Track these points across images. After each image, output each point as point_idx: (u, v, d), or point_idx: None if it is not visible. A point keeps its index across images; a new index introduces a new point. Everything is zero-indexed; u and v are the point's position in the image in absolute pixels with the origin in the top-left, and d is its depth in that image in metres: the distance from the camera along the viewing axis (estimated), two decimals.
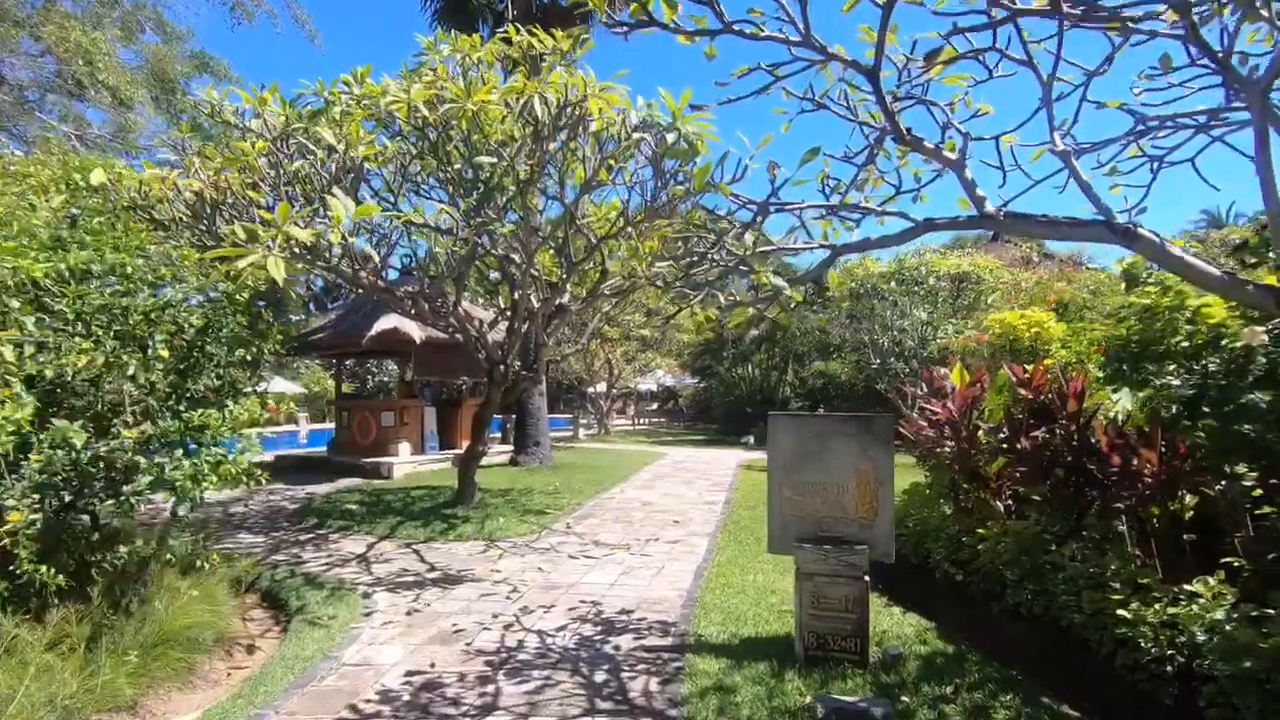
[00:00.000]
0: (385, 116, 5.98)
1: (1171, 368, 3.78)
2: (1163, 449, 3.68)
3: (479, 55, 5.92)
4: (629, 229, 6.40)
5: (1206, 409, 3.46)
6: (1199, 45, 2.61)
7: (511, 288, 8.64)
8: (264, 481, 4.69)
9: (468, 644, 4.48)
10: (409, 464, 13.27)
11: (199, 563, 4.54)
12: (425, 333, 12.28)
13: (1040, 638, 3.77)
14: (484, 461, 10.92)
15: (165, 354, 4.24)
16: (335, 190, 4.39)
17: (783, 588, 5.39)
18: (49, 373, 3.70)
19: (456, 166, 6.50)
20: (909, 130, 3.18)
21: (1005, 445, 4.74)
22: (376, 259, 7.08)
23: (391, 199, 7.07)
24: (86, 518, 4.06)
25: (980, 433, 5.10)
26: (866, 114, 3.63)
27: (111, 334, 4.11)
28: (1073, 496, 4.26)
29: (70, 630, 3.55)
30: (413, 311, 8.39)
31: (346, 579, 5.97)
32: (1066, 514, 4.24)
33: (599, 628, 4.75)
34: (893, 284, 16.38)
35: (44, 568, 3.41)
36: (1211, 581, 3.14)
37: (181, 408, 4.31)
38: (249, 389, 4.98)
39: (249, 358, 4.90)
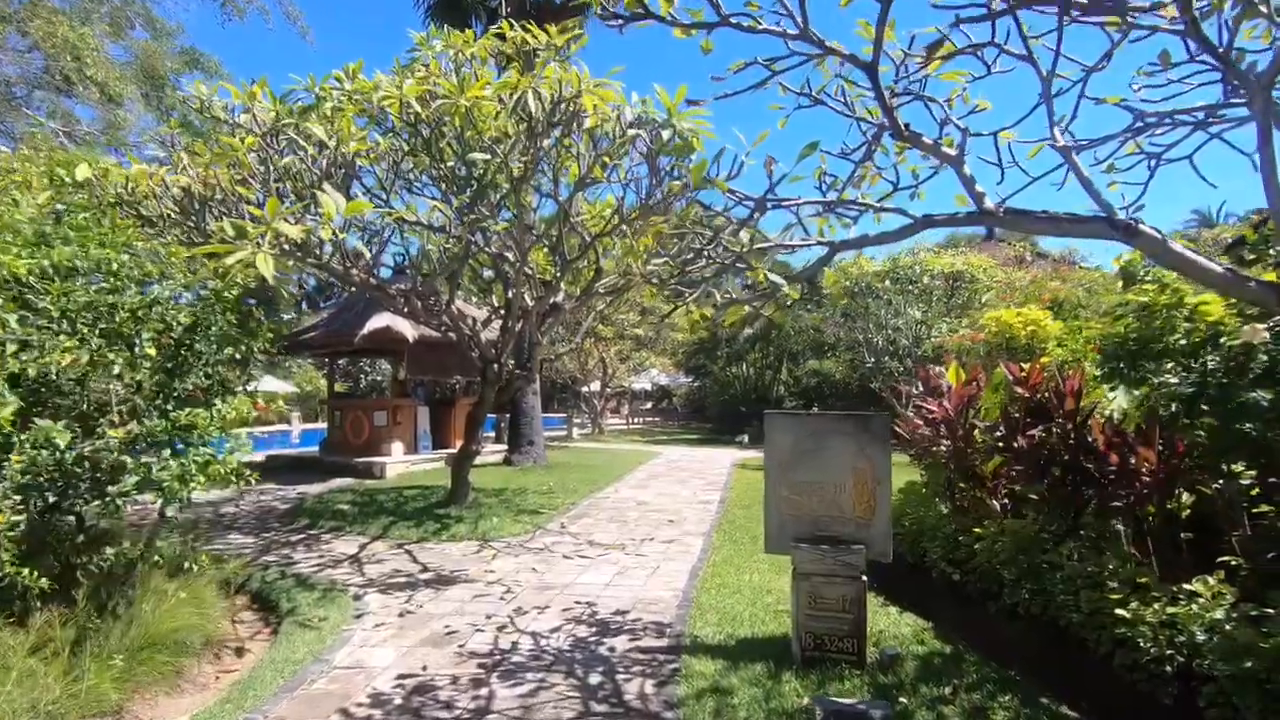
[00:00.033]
0: (377, 113, 5.92)
1: (1170, 366, 3.76)
2: (1161, 447, 3.67)
3: (472, 51, 5.86)
4: (624, 227, 6.36)
5: (1206, 407, 3.44)
6: (1199, 40, 2.58)
7: (505, 286, 8.58)
8: (254, 482, 4.63)
9: (461, 646, 4.43)
10: (402, 464, 13.20)
11: (188, 564, 4.46)
12: (418, 331, 12.20)
13: (1038, 637, 3.75)
14: (477, 461, 10.84)
15: (152, 352, 4.17)
16: (326, 186, 4.34)
17: (778, 587, 5.36)
18: (32, 371, 3.63)
19: (449, 163, 6.44)
20: (907, 126, 3.15)
21: (1002, 444, 4.72)
22: (368, 256, 7.02)
23: (384, 196, 7.00)
24: (72, 519, 3.99)
25: (976, 431, 5.09)
26: (864, 110, 3.59)
27: (97, 332, 4.04)
28: (1070, 495, 4.24)
29: (54, 634, 3.48)
30: (405, 310, 8.33)
31: (338, 580, 5.90)
32: (1064, 513, 4.23)
33: (594, 629, 4.71)
34: (887, 283, 16.41)
35: (26, 570, 3.34)
36: (1211, 581, 3.12)
37: (169, 407, 4.24)
38: (239, 388, 4.92)
39: (238, 356, 4.82)
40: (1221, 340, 3.56)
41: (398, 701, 3.64)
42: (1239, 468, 3.42)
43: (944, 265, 16.31)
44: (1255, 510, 3.35)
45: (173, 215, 5.58)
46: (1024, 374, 4.78)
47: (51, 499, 3.76)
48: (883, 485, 4.06)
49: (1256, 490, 3.35)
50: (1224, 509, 3.50)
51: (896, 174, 3.78)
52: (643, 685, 3.79)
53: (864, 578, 3.91)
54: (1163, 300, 3.93)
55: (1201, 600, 3.06)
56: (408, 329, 12.20)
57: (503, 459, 14.35)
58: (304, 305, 34.49)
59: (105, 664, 3.55)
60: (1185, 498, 3.81)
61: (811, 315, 22.54)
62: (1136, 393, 4.20)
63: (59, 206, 4.77)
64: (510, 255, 7.46)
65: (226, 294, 4.67)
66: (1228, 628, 2.85)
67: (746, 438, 20.80)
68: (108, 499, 3.90)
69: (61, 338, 3.84)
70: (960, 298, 16.03)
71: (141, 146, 14.63)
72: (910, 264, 16.52)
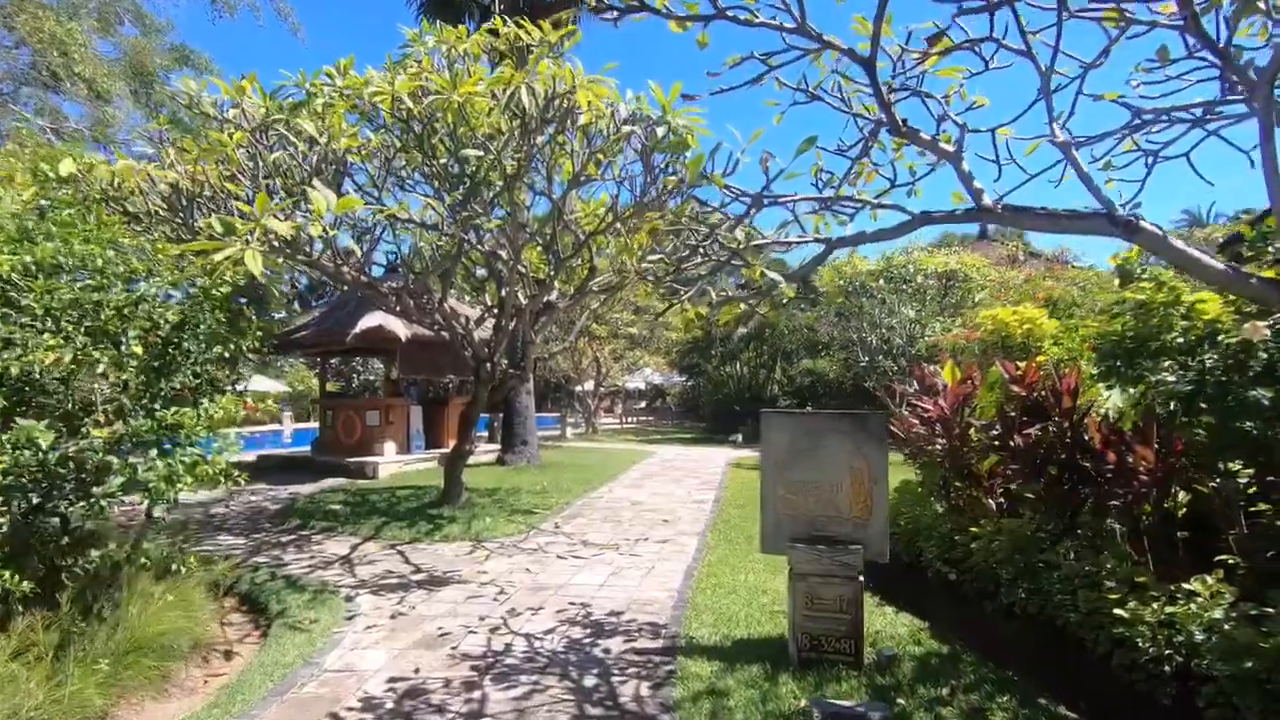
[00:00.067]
0: (369, 109, 5.85)
1: (1167, 364, 3.75)
2: (1158, 446, 3.66)
3: (465, 47, 5.79)
4: (618, 225, 6.31)
5: (1204, 405, 3.43)
6: (1198, 35, 2.56)
7: (498, 284, 8.52)
8: (243, 482, 4.55)
9: (453, 648, 4.38)
10: (394, 463, 13.11)
11: (176, 566, 4.38)
12: (411, 330, 12.12)
13: (1035, 637, 3.73)
14: (470, 461, 10.79)
15: (139, 351, 4.09)
16: (316, 182, 4.27)
17: (774, 588, 5.33)
18: (15, 370, 3.55)
19: (442, 160, 6.37)
20: (905, 121, 3.12)
21: (997, 443, 4.71)
22: (360, 254, 6.95)
23: (375, 193, 6.92)
24: (56, 521, 3.91)
25: (972, 430, 5.07)
26: (861, 106, 3.56)
27: (82, 330, 3.96)
28: (1066, 494, 4.23)
29: (37, 638, 3.41)
30: (397, 308, 8.25)
31: (329, 581, 5.83)
32: (1060, 512, 4.21)
33: (588, 630, 4.67)
34: (881, 282, 16.44)
35: (8, 573, 3.28)
36: (1209, 580, 3.10)
37: (156, 406, 4.16)
38: (228, 387, 4.84)
39: (227, 355, 4.75)
40: (1219, 338, 3.55)
41: (389, 705, 3.59)
42: (1236, 466, 3.41)
43: (937, 264, 16.36)
44: (1252, 509, 3.34)
45: (160, 211, 5.50)
46: (1020, 372, 4.76)
47: (35, 500, 3.68)
48: (880, 485, 4.03)
49: (1254, 489, 3.34)
50: (1221, 508, 3.49)
51: (894, 170, 3.75)
52: (638, 688, 3.75)
53: (861, 578, 3.89)
54: (1160, 298, 3.91)
55: (1200, 600, 3.05)
56: (400, 328, 12.11)
57: (496, 459, 14.27)
58: (296, 304, 34.25)
59: (90, 669, 3.47)
60: (1182, 496, 3.80)
61: (806, 314, 22.55)
62: (1132, 391, 4.19)
63: (43, 202, 4.68)
64: (503, 253, 7.40)
65: (215, 291, 4.59)
66: (1227, 627, 2.83)
67: (740, 437, 20.79)
68: (93, 500, 3.82)
69: (45, 336, 3.76)
70: (954, 297, 16.08)
71: (130, 143, 14.48)
72: (904, 263, 16.56)
